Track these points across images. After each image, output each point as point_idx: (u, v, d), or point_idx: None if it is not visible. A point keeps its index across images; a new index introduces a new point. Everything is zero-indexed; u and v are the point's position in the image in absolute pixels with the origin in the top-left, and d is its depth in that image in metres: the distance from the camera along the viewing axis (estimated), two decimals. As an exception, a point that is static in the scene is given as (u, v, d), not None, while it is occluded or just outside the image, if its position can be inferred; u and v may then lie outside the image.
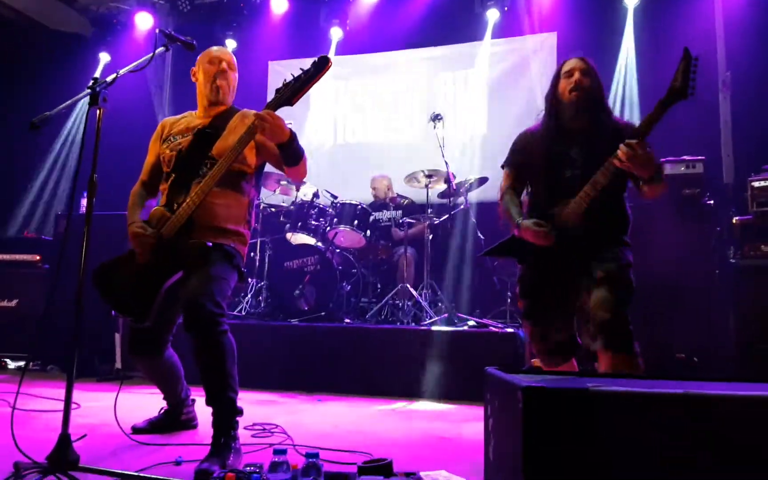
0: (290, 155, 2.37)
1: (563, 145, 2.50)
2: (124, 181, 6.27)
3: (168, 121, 2.70)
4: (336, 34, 6.87)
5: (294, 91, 2.24)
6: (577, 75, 2.51)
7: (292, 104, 2.27)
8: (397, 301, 4.90)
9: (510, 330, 4.00)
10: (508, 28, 6.45)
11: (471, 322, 4.48)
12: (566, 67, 2.56)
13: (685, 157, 4.01)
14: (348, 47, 6.96)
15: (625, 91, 5.83)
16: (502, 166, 2.73)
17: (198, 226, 2.35)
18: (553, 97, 2.58)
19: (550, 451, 1.30)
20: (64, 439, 1.84)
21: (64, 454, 1.82)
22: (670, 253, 3.83)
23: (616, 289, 2.28)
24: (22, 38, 6.90)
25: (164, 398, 2.78)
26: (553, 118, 2.55)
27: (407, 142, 6.66)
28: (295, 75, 2.24)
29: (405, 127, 6.80)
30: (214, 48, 2.66)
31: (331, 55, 6.89)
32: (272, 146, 2.39)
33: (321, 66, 2.22)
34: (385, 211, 5.45)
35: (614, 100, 5.71)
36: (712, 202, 3.96)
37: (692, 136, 4.78)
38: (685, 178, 3.95)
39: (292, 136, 2.31)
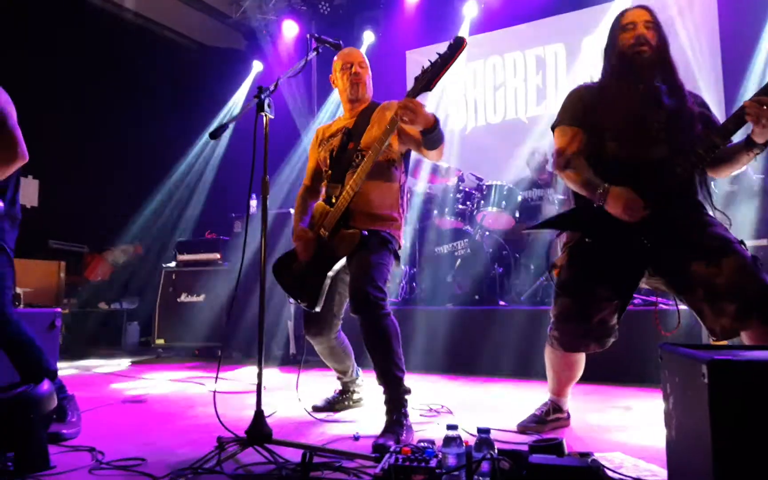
0: (434, 140, 2.41)
1: (639, 103, 2.19)
2: (281, 182, 6.78)
3: (322, 127, 2.91)
4: (470, 12, 6.79)
5: (432, 75, 2.27)
6: (641, 28, 2.22)
7: (431, 89, 2.29)
8: (552, 282, 4.77)
9: (683, 307, 3.72)
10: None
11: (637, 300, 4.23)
12: (626, 19, 2.27)
13: None
14: (484, 25, 6.86)
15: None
16: (555, 126, 2.38)
17: (355, 215, 2.53)
18: (612, 54, 2.29)
19: (740, 426, 1.22)
20: (259, 415, 2.07)
21: (260, 428, 2.05)
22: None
23: (741, 255, 2.00)
24: (185, 58, 7.73)
25: (338, 377, 3.01)
26: (615, 78, 2.26)
27: (553, 115, 6.42)
28: (432, 60, 2.27)
29: (550, 98, 6.56)
30: (344, 51, 2.78)
31: (465, 34, 6.85)
32: (414, 132, 2.46)
33: (456, 47, 2.22)
34: (535, 189, 5.32)
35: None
36: None
37: None
38: None
39: (437, 122, 2.35)
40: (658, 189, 2.10)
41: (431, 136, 2.37)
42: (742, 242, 2.07)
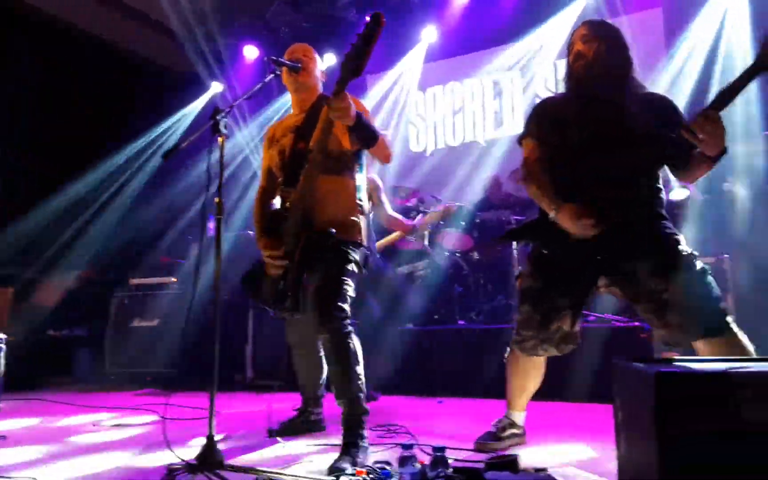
0: (362, 137, 2.37)
1: (592, 118, 2.22)
2: (246, 204, 6.65)
3: (273, 126, 2.83)
4: (429, 37, 6.88)
5: (357, 60, 2.14)
6: (578, 45, 2.26)
7: (359, 75, 2.18)
8: (510, 301, 4.83)
9: (636, 323, 3.81)
10: (608, 10, 6.15)
11: (592, 318, 4.31)
12: (571, 40, 2.32)
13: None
14: (443, 51, 6.96)
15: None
16: (521, 139, 2.42)
17: (314, 219, 2.43)
18: (566, 76, 2.34)
19: (687, 438, 1.25)
20: (211, 441, 2.01)
21: (211, 454, 1.99)
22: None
23: (685, 267, 2.05)
24: (142, 79, 7.61)
25: (302, 393, 2.95)
26: (570, 95, 2.32)
27: (510, 138, 6.57)
28: (353, 43, 2.15)
29: (507, 123, 6.70)
30: (289, 48, 2.74)
31: (423, 60, 6.99)
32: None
33: (375, 24, 2.12)
34: (492, 210, 5.39)
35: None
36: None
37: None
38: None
39: (359, 117, 2.27)
40: (613, 200, 2.13)
41: (358, 133, 2.33)
42: (694, 255, 2.11)
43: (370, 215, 4.07)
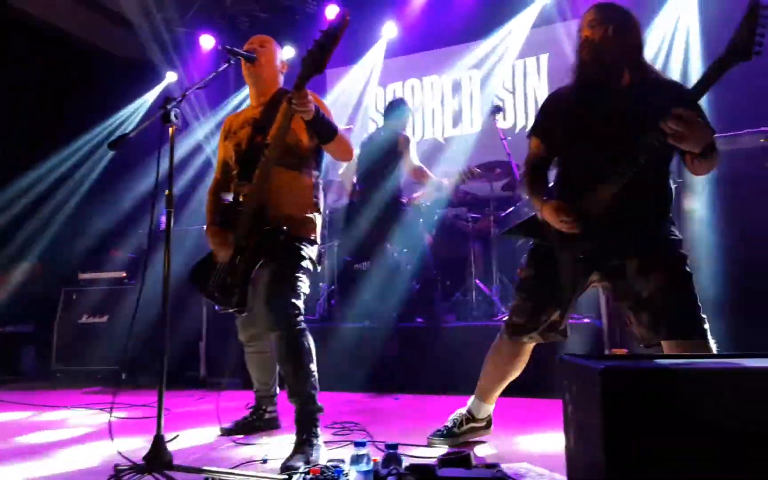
0: (320, 132, 2.35)
1: (595, 109, 2.15)
2: (200, 198, 6.51)
3: (229, 118, 2.77)
4: (389, 33, 6.88)
5: (321, 56, 2.12)
6: (585, 31, 2.16)
7: (321, 71, 2.16)
8: (468, 297, 4.87)
9: (587, 320, 3.90)
10: (559, 13, 6.26)
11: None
12: (581, 23, 2.21)
13: (764, 129, 3.77)
14: (403, 48, 6.97)
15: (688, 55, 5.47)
16: (529, 135, 2.41)
17: (268, 215, 2.38)
18: (575, 58, 2.23)
19: (631, 433, 1.28)
20: (159, 440, 1.95)
21: (159, 454, 1.93)
22: (758, 231, 3.60)
23: (668, 269, 2.06)
24: (95, 67, 7.35)
25: (255, 390, 2.91)
26: (578, 81, 2.21)
27: (468, 136, 6.62)
28: (316, 39, 2.13)
29: (465, 121, 6.76)
30: (250, 39, 2.69)
31: (383, 57, 6.98)
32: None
33: (340, 22, 2.10)
34: (450, 208, 5.42)
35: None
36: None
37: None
38: (765, 151, 3.72)
39: (318, 113, 2.26)
40: (606, 194, 2.08)
41: (315, 127, 2.31)
42: (684, 258, 2.10)
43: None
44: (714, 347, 2.01)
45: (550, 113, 2.33)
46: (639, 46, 2.17)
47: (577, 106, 2.19)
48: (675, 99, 1.94)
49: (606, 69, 2.12)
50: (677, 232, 2.17)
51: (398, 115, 4.84)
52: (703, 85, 1.86)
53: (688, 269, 2.09)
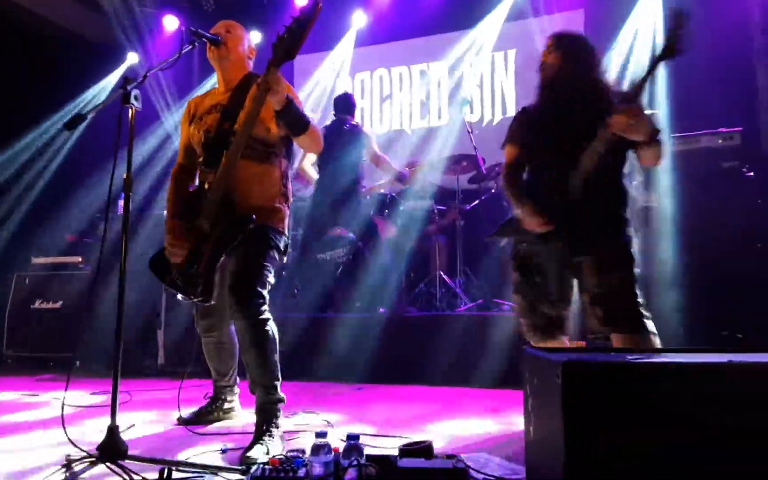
0: (290, 123, 2.31)
1: (557, 122, 2.41)
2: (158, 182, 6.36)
3: (194, 100, 2.68)
4: (359, 22, 6.83)
5: (292, 43, 2.13)
6: (543, 55, 2.49)
7: (293, 57, 2.17)
8: (432, 289, 4.89)
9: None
10: (533, 8, 6.33)
11: (506, 307, 4.44)
12: (543, 50, 2.53)
13: (722, 130, 3.89)
14: (372, 37, 6.93)
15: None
16: (503, 145, 2.64)
17: (235, 204, 2.33)
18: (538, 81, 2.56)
19: (591, 425, 1.29)
20: (113, 430, 1.90)
21: (113, 444, 1.88)
22: (714, 229, 3.73)
23: (618, 269, 2.28)
24: (57, 50, 7.08)
25: (214, 381, 2.86)
26: (540, 97, 2.52)
27: (436, 128, 6.63)
28: (287, 25, 2.13)
29: (433, 113, 6.77)
30: (217, 23, 2.62)
31: (353, 45, 6.93)
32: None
33: (313, 10, 2.11)
34: (413, 200, 5.42)
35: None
36: (752, 173, 3.84)
37: (728, 107, 4.63)
38: (723, 151, 3.84)
39: (289, 102, 2.22)
40: (569, 197, 2.32)
41: (286, 117, 2.27)
42: (633, 259, 2.30)
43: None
44: (658, 342, 2.25)
45: (522, 123, 2.57)
46: (589, 68, 2.43)
47: (540, 119, 2.48)
48: (621, 99, 2.24)
49: (559, 89, 2.41)
50: (632, 232, 2.38)
51: (348, 109, 5.05)
52: (639, 83, 2.17)
53: (636, 270, 2.31)
